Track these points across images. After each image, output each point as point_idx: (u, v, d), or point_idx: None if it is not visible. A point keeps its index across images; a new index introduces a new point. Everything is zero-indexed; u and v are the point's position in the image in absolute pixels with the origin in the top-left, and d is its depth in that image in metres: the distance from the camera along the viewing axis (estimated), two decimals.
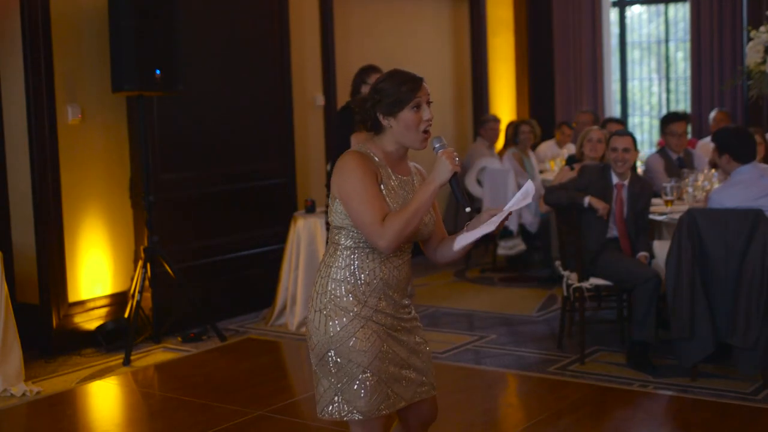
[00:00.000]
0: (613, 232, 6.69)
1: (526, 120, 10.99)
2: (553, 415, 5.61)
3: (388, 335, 3.47)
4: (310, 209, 7.87)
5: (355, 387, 3.42)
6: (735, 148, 6.10)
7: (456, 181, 3.35)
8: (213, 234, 8.10)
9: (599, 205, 6.53)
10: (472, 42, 11.73)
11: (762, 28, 7.09)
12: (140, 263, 7.28)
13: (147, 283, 7.26)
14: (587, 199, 6.55)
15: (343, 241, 3.46)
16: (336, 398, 3.46)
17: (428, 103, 3.44)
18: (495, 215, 3.39)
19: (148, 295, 7.35)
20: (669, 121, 8.29)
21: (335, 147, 6.92)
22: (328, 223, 6.77)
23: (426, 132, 3.43)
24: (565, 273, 6.79)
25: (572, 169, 7.49)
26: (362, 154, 3.44)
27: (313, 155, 9.33)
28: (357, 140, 6.73)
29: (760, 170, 6.11)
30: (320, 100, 9.44)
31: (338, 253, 3.46)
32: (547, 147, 11.14)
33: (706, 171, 7.46)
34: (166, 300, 7.42)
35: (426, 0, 11.07)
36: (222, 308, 8.00)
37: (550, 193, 6.81)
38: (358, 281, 3.43)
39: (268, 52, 8.59)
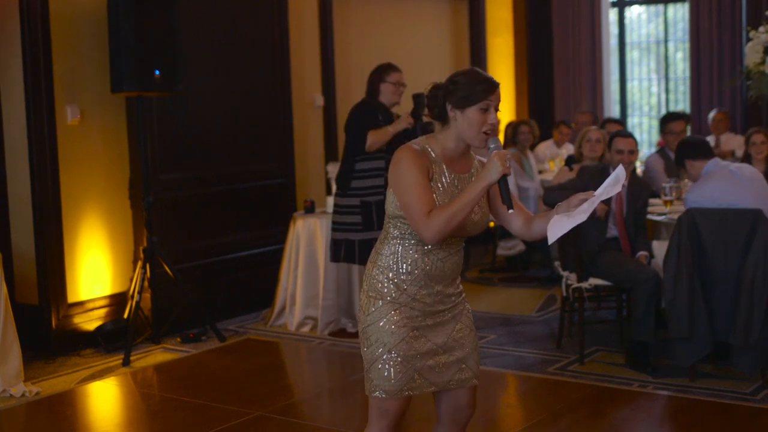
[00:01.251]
0: (612, 232, 6.70)
1: (525, 120, 11.00)
2: (552, 416, 5.61)
3: (422, 323, 3.56)
4: (310, 209, 7.86)
5: (380, 366, 3.52)
6: (690, 151, 6.22)
7: (505, 182, 3.40)
8: (212, 234, 8.10)
9: (598, 206, 6.52)
10: (472, 42, 11.74)
11: (761, 29, 7.09)
12: (139, 264, 7.28)
13: (146, 283, 7.26)
14: None
15: (391, 230, 3.57)
16: (367, 374, 3.59)
17: (497, 109, 3.51)
18: (585, 200, 3.46)
19: (147, 295, 7.35)
20: (668, 120, 8.31)
21: (350, 142, 6.97)
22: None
23: (487, 134, 3.48)
24: (565, 273, 6.79)
25: (571, 169, 7.50)
26: (415, 151, 3.49)
27: (312, 156, 9.33)
28: (374, 137, 6.80)
29: (725, 163, 6.19)
30: (320, 101, 9.44)
31: (386, 241, 3.59)
32: (546, 147, 11.15)
33: None
34: (165, 300, 7.42)
35: (426, 0, 11.08)
36: (221, 309, 8.00)
37: (549, 194, 6.81)
38: (400, 270, 3.53)
39: (267, 53, 8.59)
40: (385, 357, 3.53)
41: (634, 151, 6.66)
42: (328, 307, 7.58)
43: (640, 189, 6.77)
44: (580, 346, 6.58)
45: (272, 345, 7.43)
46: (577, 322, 6.77)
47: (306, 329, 7.64)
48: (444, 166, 3.53)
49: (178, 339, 7.42)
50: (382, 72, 7.00)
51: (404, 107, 7.04)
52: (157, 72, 7.03)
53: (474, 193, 3.38)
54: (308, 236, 7.67)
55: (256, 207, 8.50)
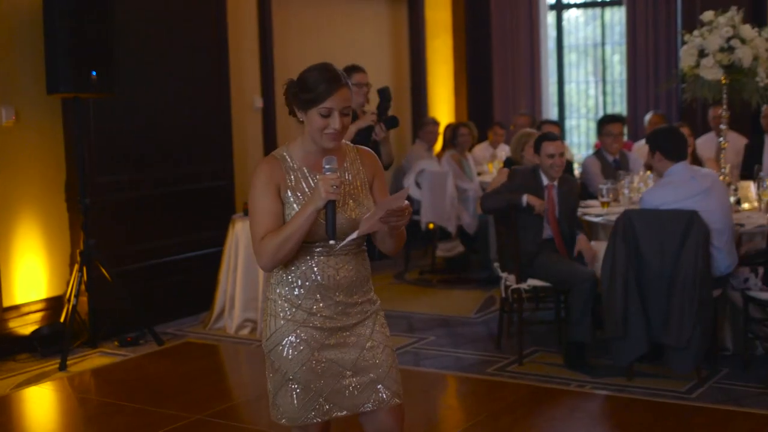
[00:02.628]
0: (547, 232, 6.75)
1: (464, 122, 11.07)
2: (491, 416, 5.64)
3: (323, 343, 3.37)
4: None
5: (283, 393, 3.40)
6: (666, 146, 6.18)
7: (331, 209, 3.19)
8: (150, 237, 8.04)
9: (536, 202, 6.57)
10: (411, 44, 11.77)
11: (696, 32, 7.18)
12: (76, 267, 7.20)
13: (83, 287, 7.18)
14: (525, 198, 6.59)
15: None
16: (271, 400, 3.47)
17: (344, 112, 3.27)
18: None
19: (84, 299, 7.27)
20: (605, 122, 8.39)
21: None
22: None
23: (331, 139, 3.28)
24: (503, 275, 6.83)
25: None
26: (270, 162, 3.34)
27: (251, 157, 9.29)
28: None
29: (691, 171, 6.19)
30: (259, 102, 9.41)
31: None
32: (482, 149, 11.22)
33: (641, 173, 7.56)
34: (102, 304, 7.34)
35: (365, 2, 11.09)
36: (160, 312, 7.93)
37: (485, 201, 6.82)
38: (292, 284, 3.36)
39: (206, 54, 8.54)
40: (288, 385, 3.37)
41: (563, 154, 6.74)
42: None
43: (569, 187, 6.83)
44: (518, 346, 6.62)
45: (211, 348, 7.39)
46: (515, 323, 6.81)
47: (245, 332, 7.61)
48: (306, 170, 3.34)
49: (116, 343, 7.35)
50: (345, 73, 6.95)
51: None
52: (94, 73, 6.96)
53: (301, 219, 3.20)
54: (247, 239, 7.63)
55: (195, 209, 8.45)
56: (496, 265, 7.11)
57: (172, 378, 6.62)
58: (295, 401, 3.37)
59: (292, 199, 3.31)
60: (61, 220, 7.44)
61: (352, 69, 6.91)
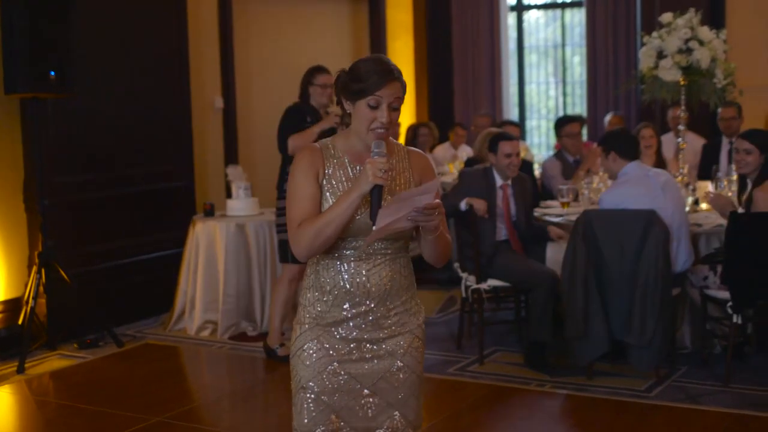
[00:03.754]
0: (503, 233, 6.78)
1: (424, 122, 11.08)
2: (452, 416, 5.66)
3: (348, 356, 3.14)
4: (209, 213, 7.81)
5: (297, 401, 3.18)
6: (620, 146, 6.28)
7: (378, 194, 2.97)
8: (110, 238, 7.98)
9: (478, 205, 6.59)
10: (372, 45, 11.77)
11: (654, 34, 7.24)
12: (34, 268, 7.13)
13: (41, 288, 7.11)
14: (464, 203, 6.63)
15: None
16: (293, 407, 3.23)
17: (393, 106, 3.08)
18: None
19: (42, 301, 7.20)
20: (564, 123, 8.44)
21: (279, 147, 6.86)
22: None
23: (378, 131, 3.07)
24: (464, 275, 6.85)
25: None
26: (309, 151, 3.16)
27: (212, 158, 9.25)
28: (295, 141, 6.67)
29: (645, 169, 6.29)
30: (219, 103, 9.38)
31: (310, 259, 3.18)
32: (443, 149, 11.24)
33: (601, 173, 7.60)
34: (61, 306, 7.28)
35: (325, 3, 11.08)
36: (119, 313, 7.88)
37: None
38: (321, 290, 3.14)
39: (166, 54, 8.49)
40: (301, 394, 3.15)
41: (519, 153, 6.78)
42: (228, 311, 7.54)
43: (523, 186, 6.87)
44: (479, 346, 6.64)
45: (171, 350, 7.35)
46: (476, 323, 6.83)
47: (206, 333, 7.58)
48: (347, 160, 3.14)
49: (75, 345, 7.29)
50: (309, 75, 6.95)
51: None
52: (53, 73, 6.90)
53: (345, 204, 2.99)
54: (208, 240, 7.61)
55: (155, 210, 8.40)
56: (456, 265, 7.13)
57: (132, 380, 6.58)
58: (305, 412, 3.15)
59: (326, 187, 3.10)
60: (18, 222, 7.37)
61: (317, 70, 6.91)
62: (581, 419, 5.63)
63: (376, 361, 3.15)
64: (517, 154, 6.71)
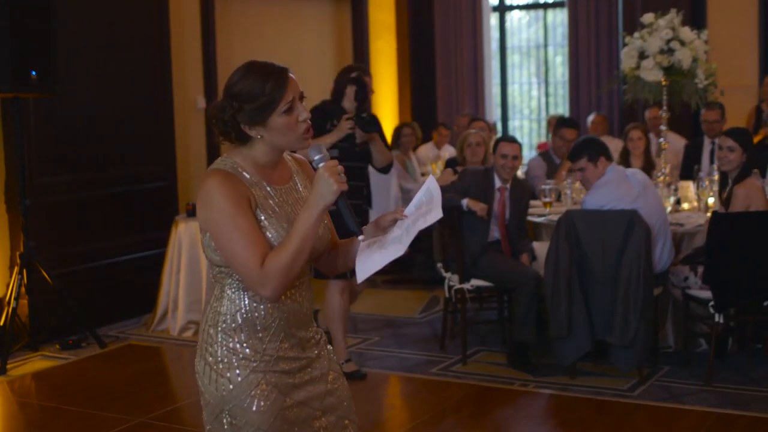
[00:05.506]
0: (494, 234, 6.78)
1: (407, 122, 11.07)
2: (436, 416, 5.66)
3: (293, 385, 2.89)
4: (192, 213, 7.79)
5: None
6: (604, 149, 6.33)
7: (344, 201, 2.73)
8: (92, 238, 7.95)
9: (477, 207, 6.60)
10: (355, 45, 11.76)
11: (636, 35, 7.26)
12: (16, 269, 7.10)
13: (23, 289, 7.08)
14: (465, 202, 6.63)
15: (227, 280, 2.84)
16: None
17: (301, 98, 2.81)
18: (394, 221, 2.88)
19: (24, 301, 7.17)
20: (564, 125, 8.44)
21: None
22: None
23: (306, 131, 2.81)
24: (447, 275, 6.85)
25: (455, 172, 7.57)
26: (227, 177, 2.78)
27: (194, 158, 9.23)
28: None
29: (623, 171, 6.33)
30: (201, 103, 9.35)
31: (225, 295, 2.85)
32: (426, 149, 11.24)
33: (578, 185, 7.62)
34: (43, 306, 7.25)
35: (308, 2, 11.07)
36: (102, 314, 7.85)
37: None
38: (254, 327, 2.82)
39: (148, 54, 8.47)
40: None
41: (518, 157, 6.74)
42: None
43: (522, 192, 6.88)
44: (462, 346, 6.65)
45: (154, 350, 7.33)
46: (459, 323, 6.84)
47: (188, 334, 7.56)
48: (266, 185, 2.84)
49: (57, 346, 7.26)
50: (349, 73, 6.41)
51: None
52: (34, 73, 6.87)
53: (309, 224, 2.69)
54: (190, 240, 7.59)
55: (137, 210, 8.38)
56: (439, 265, 7.13)
57: (115, 381, 6.56)
58: None
59: (262, 218, 2.78)
60: (0, 222, 7.34)
61: (360, 69, 6.59)
62: (564, 419, 5.65)
63: (315, 379, 2.95)
64: (514, 157, 6.69)
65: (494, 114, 12.71)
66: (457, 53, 12.53)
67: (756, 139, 8.09)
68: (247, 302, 2.82)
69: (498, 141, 6.88)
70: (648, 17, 7.27)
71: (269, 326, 2.84)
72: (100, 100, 8.02)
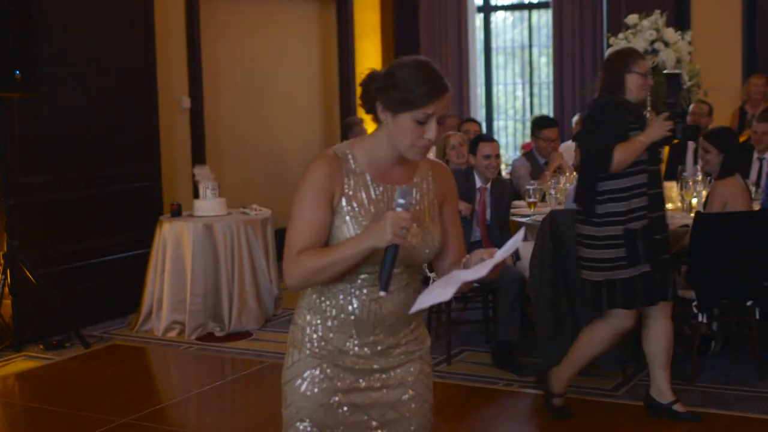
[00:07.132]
0: (476, 234, 6.79)
1: None
2: None
3: (352, 384, 2.82)
4: (176, 213, 7.78)
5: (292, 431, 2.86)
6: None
7: (392, 254, 2.59)
8: (76, 238, 7.93)
9: (462, 206, 6.61)
10: (340, 45, 11.76)
11: (620, 35, 7.30)
12: None
13: (7, 289, 7.06)
14: None
15: None
16: None
17: (440, 121, 2.73)
18: (483, 259, 2.74)
19: (8, 302, 7.15)
20: (543, 125, 8.41)
21: (589, 156, 5.27)
22: None
23: (423, 150, 2.75)
24: (432, 275, 6.85)
25: None
26: (326, 163, 2.77)
27: (179, 158, 9.22)
28: (622, 155, 5.06)
29: None
30: (186, 103, 9.34)
31: None
32: None
33: (568, 173, 7.63)
34: (27, 307, 7.23)
35: (293, 3, 11.06)
36: (86, 314, 7.83)
37: None
38: (325, 314, 2.80)
39: (133, 53, 8.45)
40: (298, 425, 2.82)
41: (498, 155, 6.78)
42: (195, 312, 7.51)
43: (503, 191, 6.89)
44: (447, 346, 6.65)
45: (139, 350, 7.32)
46: (444, 323, 6.84)
47: (173, 334, 7.55)
48: (368, 177, 2.78)
49: (41, 346, 7.24)
50: (626, 58, 5.19)
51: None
52: (18, 72, 6.85)
53: (351, 251, 2.63)
54: (175, 240, 7.58)
55: (122, 210, 8.35)
56: (424, 265, 7.12)
57: (99, 381, 6.55)
58: None
59: (345, 210, 2.74)
60: None
61: (636, 54, 5.33)
62: (549, 418, 5.65)
63: (384, 390, 2.85)
64: (497, 156, 6.71)
65: (479, 114, 12.72)
66: (442, 54, 12.54)
67: (741, 140, 8.11)
68: (325, 288, 2.80)
69: (477, 142, 6.84)
70: (632, 18, 7.31)
71: (338, 317, 2.80)
72: (84, 100, 8.00)
